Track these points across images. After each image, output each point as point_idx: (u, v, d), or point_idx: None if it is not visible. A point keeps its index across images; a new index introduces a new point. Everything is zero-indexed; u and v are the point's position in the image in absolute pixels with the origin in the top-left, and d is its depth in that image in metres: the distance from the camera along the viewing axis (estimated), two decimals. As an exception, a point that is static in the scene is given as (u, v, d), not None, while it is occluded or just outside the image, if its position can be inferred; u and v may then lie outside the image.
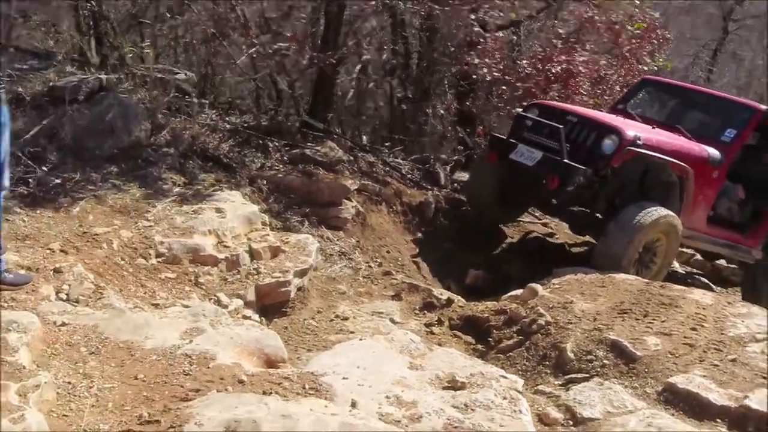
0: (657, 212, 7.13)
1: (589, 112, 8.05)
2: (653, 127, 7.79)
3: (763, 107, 8.30)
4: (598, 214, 7.58)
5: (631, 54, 9.89)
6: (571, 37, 10.06)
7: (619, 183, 7.46)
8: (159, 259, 5.41)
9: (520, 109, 8.34)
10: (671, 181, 7.59)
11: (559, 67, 9.03)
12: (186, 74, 8.51)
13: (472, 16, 9.01)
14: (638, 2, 10.31)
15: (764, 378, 4.81)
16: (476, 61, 9.01)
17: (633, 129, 7.38)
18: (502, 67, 9.11)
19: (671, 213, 7.28)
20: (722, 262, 9.76)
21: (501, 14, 9.73)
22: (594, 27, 10.10)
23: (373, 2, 8.40)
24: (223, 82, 10.16)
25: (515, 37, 10.64)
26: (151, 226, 5.71)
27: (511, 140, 7.75)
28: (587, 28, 10.20)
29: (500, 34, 9.82)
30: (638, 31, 9.99)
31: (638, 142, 7.16)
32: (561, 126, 7.33)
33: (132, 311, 4.55)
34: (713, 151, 7.73)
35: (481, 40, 9.09)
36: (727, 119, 8.18)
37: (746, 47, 19.02)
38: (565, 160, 7.16)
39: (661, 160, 7.36)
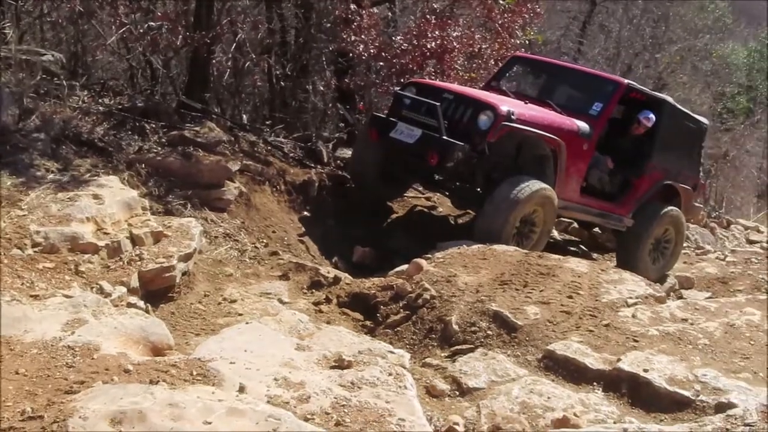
0: (531, 186, 7.38)
1: (465, 90, 8.26)
2: (525, 103, 8.02)
3: (626, 81, 8.75)
4: (477, 189, 7.80)
5: (504, 28, 10.10)
6: (444, 11, 10.20)
7: (496, 157, 7.66)
8: (36, 249, 5.21)
9: (397, 87, 8.47)
10: (545, 154, 7.86)
11: (434, 43, 9.13)
12: (53, 55, 8.17)
13: (348, -8, 9.05)
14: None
15: (635, 341, 5.08)
16: (352, 38, 9.03)
17: (507, 105, 7.59)
18: (378, 44, 9.15)
19: (545, 185, 7.54)
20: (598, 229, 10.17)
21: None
22: (467, 1, 10.29)
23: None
24: (94, 63, 9.81)
25: (390, 14, 10.70)
26: (25, 215, 5.49)
27: (391, 119, 7.86)
28: (460, 2, 10.37)
29: (375, 10, 9.86)
30: (510, 5, 10.22)
31: (512, 117, 7.40)
32: (438, 104, 7.49)
33: (9, 304, 4.37)
34: (583, 125, 8.05)
35: (357, 17, 9.11)
36: (593, 93, 8.52)
37: (613, 19, 19.71)
38: (444, 137, 7.33)
39: (535, 135, 7.61)
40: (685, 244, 11.52)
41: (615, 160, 8.73)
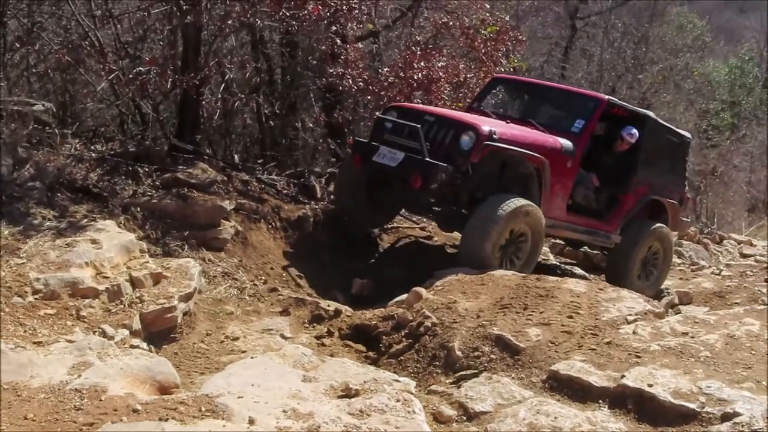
0: (514, 203, 7.35)
1: (446, 111, 8.29)
2: (507, 122, 8.01)
3: (606, 97, 8.75)
4: (463, 210, 7.75)
5: (488, 56, 10.23)
6: (428, 43, 10.33)
7: (480, 178, 7.64)
8: (36, 296, 5.24)
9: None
10: (529, 173, 7.85)
11: (420, 74, 9.23)
12: (44, 105, 8.24)
13: (333, 28, 9.15)
14: (488, 7, 10.72)
15: (638, 357, 5.11)
16: (340, 72, 9.12)
17: (488, 124, 7.59)
18: (365, 77, 9.26)
19: (529, 202, 7.51)
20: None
21: (360, 26, 9.93)
22: (449, 32, 10.43)
23: (230, 21, 8.37)
24: (83, 111, 9.88)
25: (375, 47, 10.83)
26: (24, 263, 5.52)
27: (373, 143, 7.87)
28: (443, 33, 10.51)
29: (359, 45, 9.98)
30: (492, 35, 10.36)
31: (494, 136, 7.39)
32: (419, 126, 7.50)
33: (13, 351, 4.38)
34: (566, 142, 8.05)
35: (343, 51, 9.21)
36: (575, 111, 8.52)
37: (594, 42, 19.97)
38: (427, 159, 7.31)
39: (518, 153, 7.61)
40: (679, 261, 11.65)
41: (600, 177, 8.74)
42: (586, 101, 8.72)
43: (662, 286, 9.27)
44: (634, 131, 8.72)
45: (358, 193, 8.37)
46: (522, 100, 9.29)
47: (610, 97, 8.86)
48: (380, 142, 7.81)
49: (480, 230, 7.25)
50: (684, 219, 10.16)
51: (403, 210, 9.38)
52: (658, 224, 9.08)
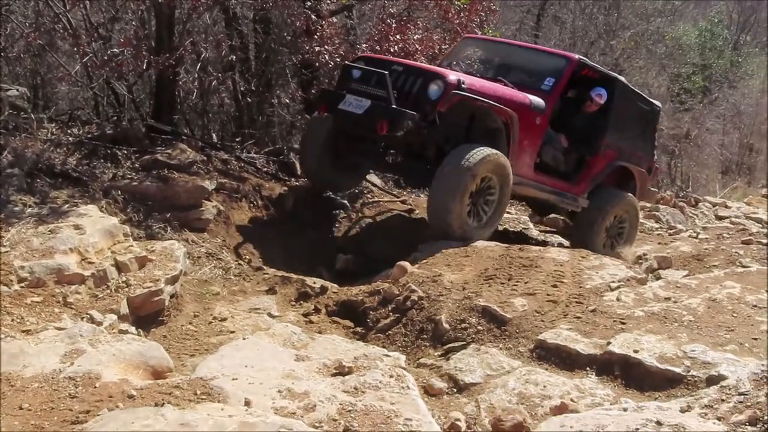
0: (481, 152, 7.25)
1: (415, 63, 8.20)
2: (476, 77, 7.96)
3: (577, 56, 8.72)
4: (428, 166, 7.64)
5: (462, 27, 10.21)
6: (402, 15, 10.29)
7: (447, 130, 7.54)
8: (22, 284, 5.20)
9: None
10: (497, 127, 7.77)
11: (396, 47, 9.21)
12: (17, 89, 8.15)
13: (308, 3, 9.09)
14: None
15: (622, 323, 5.20)
16: (316, 48, 9.07)
17: (456, 75, 7.52)
18: (342, 52, 9.22)
19: (496, 151, 7.42)
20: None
21: (334, 1, 9.87)
22: (423, 3, 10.40)
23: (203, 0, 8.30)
24: (57, 94, 9.77)
25: (349, 21, 10.77)
26: (7, 251, 5.46)
27: (339, 92, 7.73)
28: (416, 5, 10.48)
29: (334, 19, 9.92)
30: (465, 5, 10.34)
31: (462, 86, 7.29)
32: (386, 72, 7.37)
33: (4, 341, 4.38)
34: (535, 98, 8.00)
35: (318, 27, 9.16)
36: (545, 69, 8.47)
37: (566, 10, 19.95)
38: (393, 106, 7.21)
39: (486, 105, 7.51)
40: (657, 225, 11.79)
41: (569, 138, 8.71)
42: (556, 60, 8.68)
43: (641, 252, 9.36)
44: (603, 92, 8.70)
45: (323, 150, 8.24)
46: (493, 61, 9.21)
47: (581, 57, 8.81)
48: (347, 91, 7.68)
49: (449, 181, 7.15)
50: (651, 189, 10.17)
51: (373, 172, 9.33)
52: (626, 193, 9.13)
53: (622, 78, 9.32)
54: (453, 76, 7.40)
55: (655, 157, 10.29)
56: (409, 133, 7.27)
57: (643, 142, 9.50)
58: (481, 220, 7.53)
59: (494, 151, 7.38)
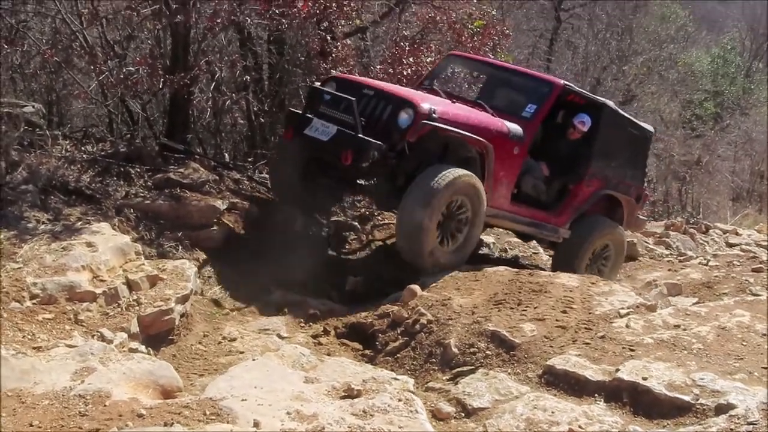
0: (452, 173, 6.90)
1: (387, 86, 7.76)
2: (453, 102, 7.61)
3: (561, 81, 8.23)
4: (399, 190, 7.20)
5: (475, 51, 10.26)
6: (416, 38, 10.36)
7: (417, 158, 7.13)
8: (34, 301, 5.25)
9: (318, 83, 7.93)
10: (470, 156, 7.42)
11: (409, 69, 9.26)
12: (33, 106, 8.23)
13: (323, 24, 9.17)
14: (475, 1, 10.76)
15: (631, 350, 5.18)
16: (330, 70, 9.12)
17: (429, 102, 7.13)
18: (356, 74, 9.27)
19: (468, 172, 7.07)
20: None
21: (348, 23, 9.94)
22: (436, 27, 10.46)
23: (219, 20, 8.36)
24: (72, 111, 9.86)
25: (363, 43, 10.85)
26: (20, 267, 5.52)
27: (307, 115, 7.38)
28: (430, 28, 10.54)
29: (348, 41, 10.00)
30: (479, 29, 10.41)
31: (434, 115, 6.93)
32: (353, 99, 7.00)
33: (15, 358, 4.41)
34: (514, 127, 7.61)
35: (333, 48, 9.23)
36: (528, 94, 8.05)
37: (579, 35, 20.07)
38: (359, 135, 6.86)
39: (457, 135, 7.15)
40: (667, 252, 11.73)
41: (552, 166, 8.30)
42: (540, 85, 8.19)
43: (651, 278, 9.29)
44: (587, 119, 8.26)
45: (291, 167, 7.86)
46: (476, 81, 8.89)
47: (566, 82, 8.28)
48: (315, 114, 7.32)
49: (418, 202, 6.78)
50: (640, 217, 9.71)
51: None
52: (612, 222, 8.77)
53: (610, 103, 8.79)
54: (425, 104, 7.03)
55: (645, 185, 9.82)
56: (375, 163, 6.90)
57: (633, 169, 9.06)
58: (455, 244, 7.22)
59: (465, 171, 7.05)
